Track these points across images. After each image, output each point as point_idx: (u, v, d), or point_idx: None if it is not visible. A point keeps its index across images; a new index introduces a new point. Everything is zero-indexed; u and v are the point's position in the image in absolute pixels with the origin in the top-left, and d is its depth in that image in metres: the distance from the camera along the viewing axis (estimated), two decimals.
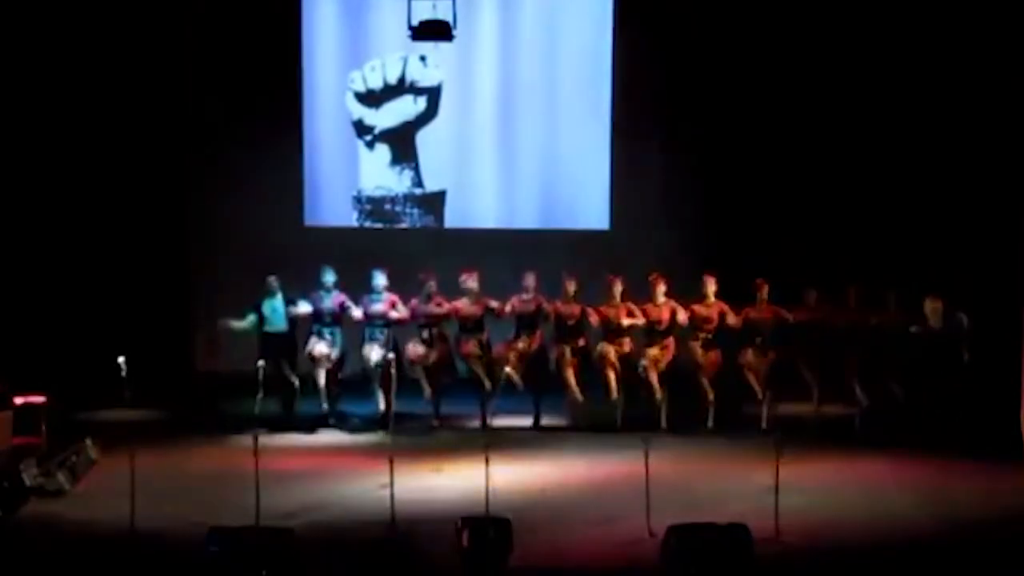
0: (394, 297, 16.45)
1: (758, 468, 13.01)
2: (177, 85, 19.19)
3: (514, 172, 19.95)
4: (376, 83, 20.02)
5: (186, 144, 19.41)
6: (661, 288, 16.30)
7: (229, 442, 15.42)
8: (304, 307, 16.47)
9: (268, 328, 16.42)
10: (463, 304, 16.46)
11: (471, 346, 16.40)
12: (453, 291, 16.62)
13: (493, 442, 12.41)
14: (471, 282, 16.47)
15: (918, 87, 18.21)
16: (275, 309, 16.46)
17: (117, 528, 11.71)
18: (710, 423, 16.20)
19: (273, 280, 16.55)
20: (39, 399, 15.02)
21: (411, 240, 19.79)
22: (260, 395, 14.60)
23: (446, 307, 16.47)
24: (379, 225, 20.16)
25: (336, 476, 14.01)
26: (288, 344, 16.56)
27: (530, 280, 16.53)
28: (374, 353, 16.18)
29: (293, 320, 16.55)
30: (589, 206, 19.81)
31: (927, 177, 18.20)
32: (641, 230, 19.35)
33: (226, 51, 19.32)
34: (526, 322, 16.49)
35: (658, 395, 16.19)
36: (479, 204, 20.07)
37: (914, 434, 15.42)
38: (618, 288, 16.38)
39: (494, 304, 16.44)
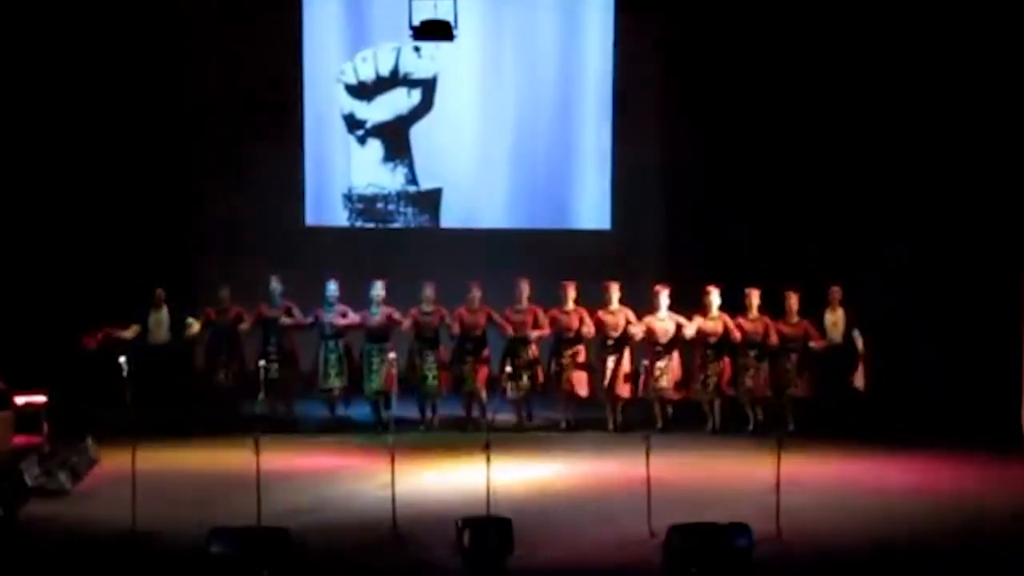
0: (288, 303, 16.55)
1: (759, 468, 13.05)
2: (178, 84, 19.14)
3: (513, 170, 19.61)
4: (368, 75, 19.64)
5: (186, 143, 19.34)
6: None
7: (229, 442, 15.46)
8: (195, 327, 16.55)
9: (152, 340, 16.55)
10: (366, 315, 16.36)
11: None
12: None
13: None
14: (376, 291, 16.38)
15: (918, 85, 18.21)
16: (159, 322, 16.61)
17: (118, 528, 11.72)
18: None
19: (160, 292, 16.69)
20: (40, 399, 15.05)
21: (405, 240, 19.56)
22: (261, 395, 14.61)
23: (349, 318, 16.39)
24: (371, 225, 19.82)
25: (337, 476, 14.05)
26: (170, 356, 16.66)
27: (430, 292, 16.43)
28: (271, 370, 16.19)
29: (180, 334, 16.66)
30: (590, 205, 19.58)
31: (928, 174, 18.21)
32: (642, 230, 19.26)
33: (227, 49, 19.23)
34: (428, 338, 16.44)
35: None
36: (477, 203, 19.73)
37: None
38: (525, 291, 16.45)
39: (396, 316, 16.31)
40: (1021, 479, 13.76)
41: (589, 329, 16.32)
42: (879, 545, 11.50)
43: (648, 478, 11.75)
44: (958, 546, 11.48)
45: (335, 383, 16.43)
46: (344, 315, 16.35)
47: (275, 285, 16.54)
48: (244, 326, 16.52)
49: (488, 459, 11.59)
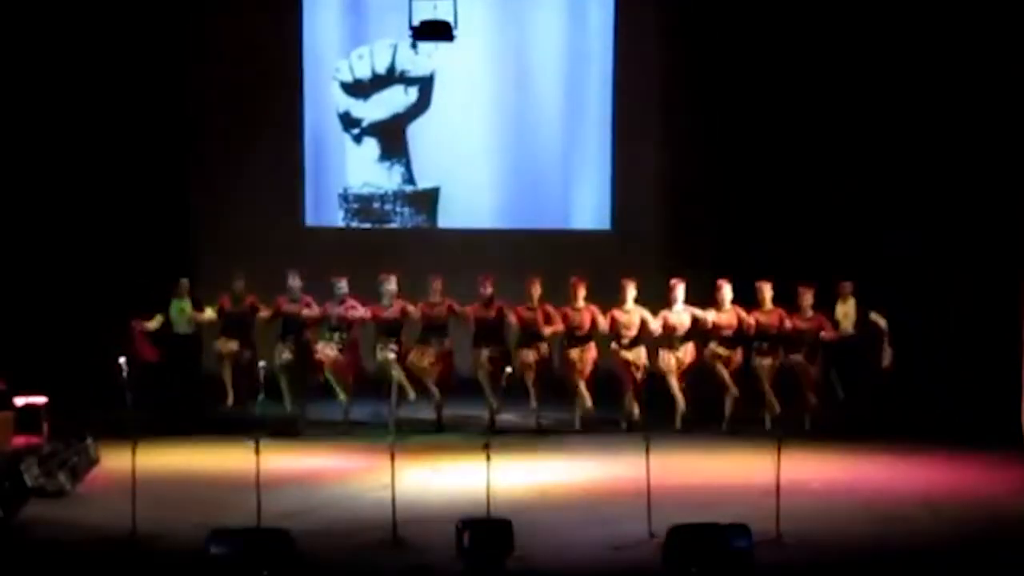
0: (308, 298, 16.46)
1: (759, 469, 13.04)
2: (177, 83, 19.12)
3: (511, 169, 19.54)
4: (364, 72, 19.54)
5: (186, 143, 19.32)
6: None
7: (229, 442, 15.46)
8: (209, 313, 16.72)
9: (175, 329, 16.80)
10: (377, 308, 16.22)
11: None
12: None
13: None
14: (390, 285, 16.24)
15: (921, 84, 18.20)
16: (182, 311, 16.80)
17: (118, 529, 11.69)
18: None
19: (185, 282, 16.84)
20: (40, 399, 15.04)
21: (402, 241, 19.45)
22: (261, 395, 14.60)
23: (360, 311, 16.28)
24: (367, 225, 19.71)
25: (336, 477, 14.05)
26: (192, 346, 16.93)
27: (437, 284, 16.30)
28: (285, 353, 16.39)
29: (199, 324, 16.86)
30: (589, 205, 19.52)
31: (929, 173, 18.22)
32: (643, 230, 19.19)
33: (227, 48, 19.19)
34: (436, 327, 16.35)
35: (585, 401, 16.26)
36: (474, 203, 19.67)
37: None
38: (536, 291, 16.26)
39: (410, 310, 16.21)
40: (1021, 479, 13.77)
41: (604, 327, 16.18)
42: (879, 546, 11.51)
43: (648, 479, 11.75)
44: (958, 547, 11.49)
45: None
46: (354, 308, 16.30)
47: (294, 281, 16.49)
48: (264, 314, 16.55)
49: (488, 459, 11.59)
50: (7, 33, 18.34)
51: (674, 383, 16.21)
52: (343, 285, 16.35)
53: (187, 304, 16.83)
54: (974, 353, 17.30)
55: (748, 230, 18.70)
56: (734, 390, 16.20)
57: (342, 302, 16.33)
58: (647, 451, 11.81)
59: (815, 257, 17.91)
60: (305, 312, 16.42)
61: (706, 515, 11.15)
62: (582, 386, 16.27)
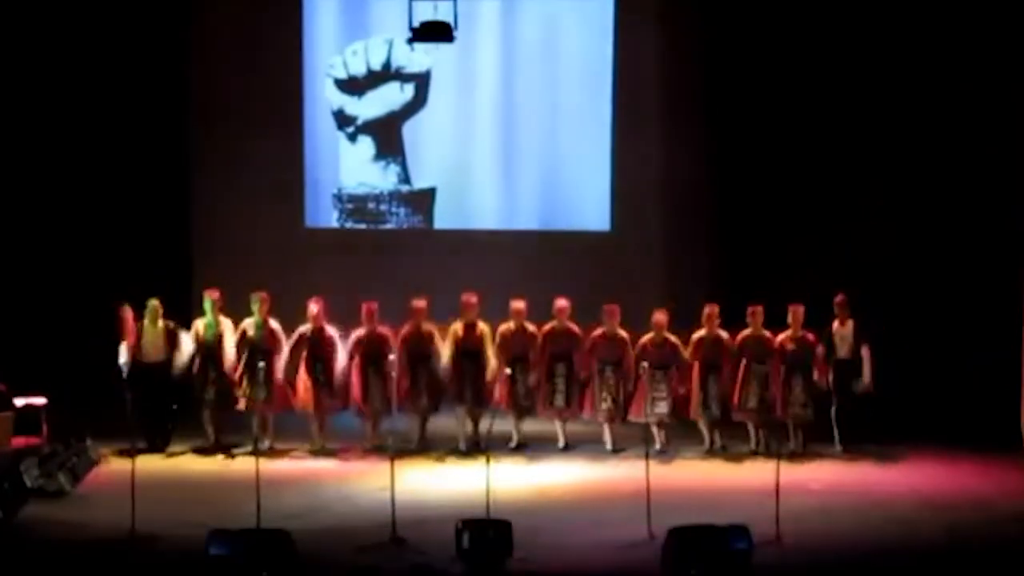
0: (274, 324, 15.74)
1: (758, 471, 13.09)
2: (176, 83, 19.08)
3: (510, 169, 19.21)
4: (359, 69, 19.22)
5: (186, 144, 19.24)
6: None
7: (227, 444, 15.49)
8: (187, 345, 15.61)
9: (144, 358, 15.50)
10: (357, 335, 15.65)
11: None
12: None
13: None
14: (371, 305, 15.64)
15: (920, 90, 18.22)
16: (153, 340, 15.64)
17: (117, 530, 11.74)
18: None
19: (155, 304, 15.71)
20: (40, 400, 15.04)
21: (397, 242, 19.18)
22: (262, 395, 14.65)
23: (337, 341, 15.64)
24: (362, 226, 19.36)
25: (336, 478, 14.06)
26: (162, 373, 15.60)
27: (422, 304, 15.69)
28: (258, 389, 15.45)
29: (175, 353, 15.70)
30: (589, 206, 19.19)
31: (928, 176, 18.21)
32: (642, 232, 19.14)
33: (227, 48, 19.15)
34: (421, 355, 15.66)
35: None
36: (472, 203, 19.35)
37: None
38: (520, 308, 15.73)
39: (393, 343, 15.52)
40: (1021, 480, 13.81)
41: (581, 354, 15.57)
42: (879, 547, 11.55)
43: (648, 481, 11.78)
44: (958, 548, 11.53)
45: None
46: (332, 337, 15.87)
47: (257, 306, 15.71)
48: (229, 339, 15.66)
49: (488, 461, 11.62)
50: (9, 36, 18.34)
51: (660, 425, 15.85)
52: (313, 307, 15.66)
53: (159, 330, 15.58)
54: (974, 354, 17.28)
55: (749, 231, 18.64)
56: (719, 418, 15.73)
57: (320, 330, 15.68)
58: (646, 454, 11.86)
59: (817, 259, 17.84)
60: (269, 334, 15.65)
61: (705, 516, 11.19)
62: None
